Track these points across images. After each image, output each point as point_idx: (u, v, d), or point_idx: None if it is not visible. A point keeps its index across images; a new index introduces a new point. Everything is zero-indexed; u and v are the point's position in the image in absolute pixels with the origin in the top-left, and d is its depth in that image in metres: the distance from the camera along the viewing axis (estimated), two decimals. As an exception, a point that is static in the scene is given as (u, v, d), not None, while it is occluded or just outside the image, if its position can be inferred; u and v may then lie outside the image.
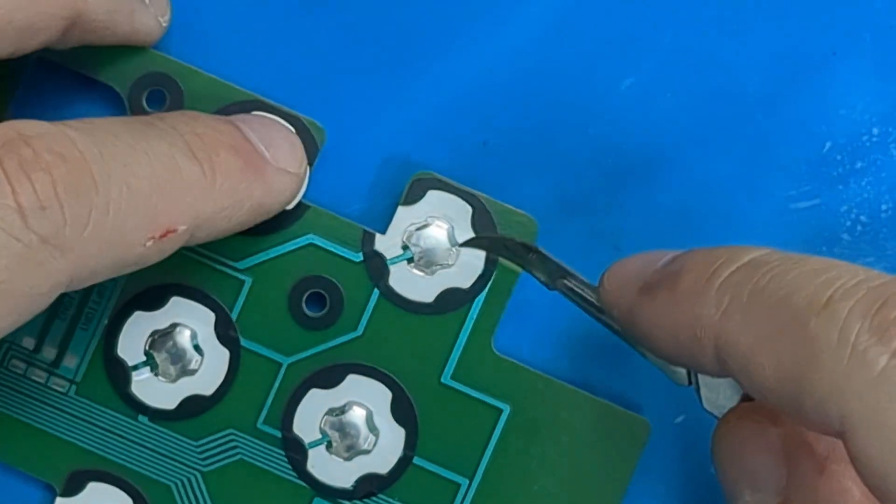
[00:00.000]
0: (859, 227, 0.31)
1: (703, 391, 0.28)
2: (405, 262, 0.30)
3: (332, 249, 0.30)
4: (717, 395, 0.28)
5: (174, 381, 0.30)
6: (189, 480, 0.30)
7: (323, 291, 0.30)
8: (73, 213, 0.24)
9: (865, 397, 0.22)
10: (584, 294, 0.29)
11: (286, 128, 0.29)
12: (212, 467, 0.30)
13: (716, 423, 0.28)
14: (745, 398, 0.28)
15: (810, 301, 0.24)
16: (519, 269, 0.30)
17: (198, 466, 0.30)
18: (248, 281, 0.30)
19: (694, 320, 0.25)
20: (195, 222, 0.26)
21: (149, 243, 0.25)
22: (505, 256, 0.30)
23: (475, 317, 0.30)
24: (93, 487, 0.30)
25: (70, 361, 0.30)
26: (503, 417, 0.30)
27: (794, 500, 0.27)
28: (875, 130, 0.31)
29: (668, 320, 0.26)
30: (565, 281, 0.29)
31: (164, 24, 0.30)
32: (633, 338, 0.28)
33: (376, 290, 0.30)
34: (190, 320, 0.30)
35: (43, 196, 0.24)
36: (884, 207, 0.31)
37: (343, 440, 0.30)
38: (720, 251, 0.26)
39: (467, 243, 0.30)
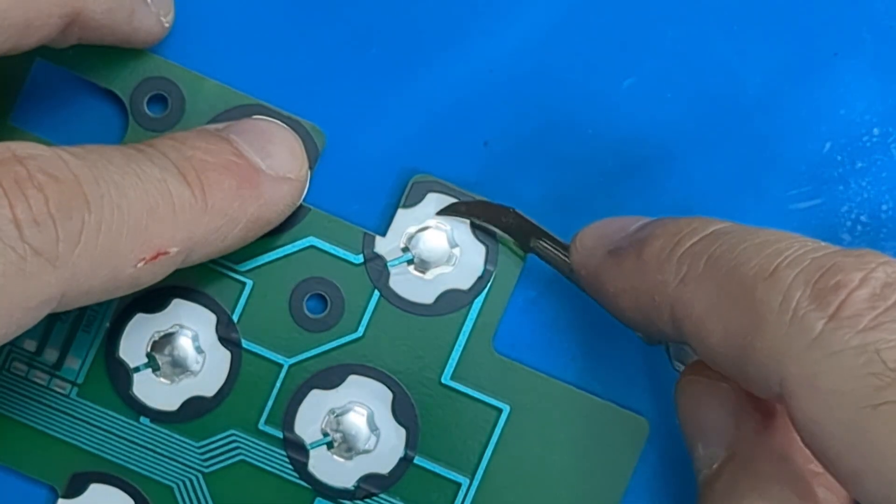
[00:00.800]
0: (859, 227, 0.32)
1: (671, 349, 0.29)
2: (405, 263, 0.31)
3: (333, 252, 0.31)
4: (684, 354, 0.29)
5: (176, 382, 0.30)
6: (190, 481, 0.30)
7: (324, 293, 0.30)
8: (65, 230, 0.24)
9: (802, 360, 0.24)
10: (558, 254, 0.30)
11: (286, 130, 0.30)
12: (213, 468, 0.30)
13: (676, 383, 0.29)
14: None
15: (758, 270, 0.25)
16: (515, 254, 0.31)
17: (199, 467, 0.30)
18: (250, 283, 0.30)
19: (654, 287, 0.27)
20: (188, 244, 0.27)
21: (140, 264, 0.26)
22: (482, 221, 0.30)
23: (475, 317, 0.31)
24: (94, 489, 0.30)
25: (72, 363, 0.31)
26: (503, 417, 0.30)
27: (738, 454, 0.28)
28: (875, 130, 0.32)
29: (631, 284, 0.27)
30: (541, 242, 0.30)
31: (167, 24, 0.30)
32: (599, 302, 0.29)
33: (377, 292, 0.31)
34: (191, 322, 0.30)
35: (37, 211, 0.24)
36: (884, 207, 0.32)
37: (344, 440, 0.30)
38: (687, 221, 0.27)
39: (444, 211, 0.30)
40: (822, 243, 0.25)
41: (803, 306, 0.24)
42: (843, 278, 0.24)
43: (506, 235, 0.30)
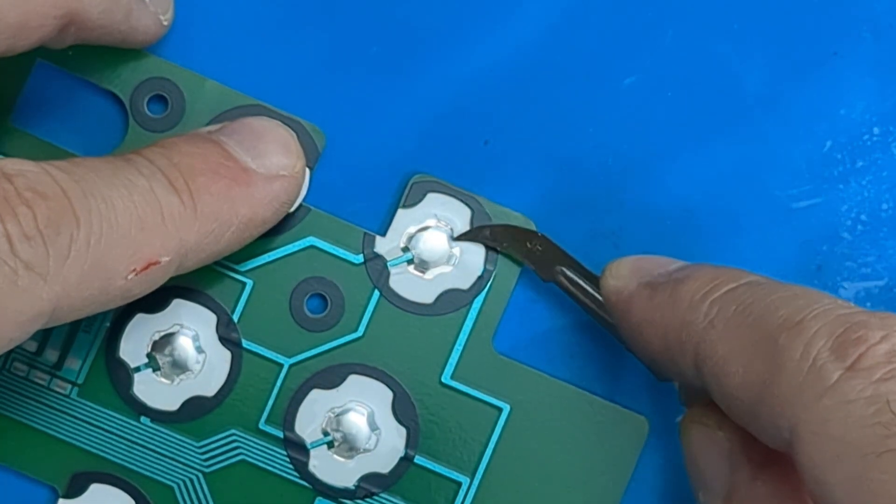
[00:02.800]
0: (860, 227, 0.32)
1: (682, 388, 0.30)
2: (405, 263, 0.31)
3: (333, 251, 0.31)
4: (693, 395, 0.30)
5: (176, 382, 0.31)
6: (191, 481, 0.31)
7: (324, 293, 0.31)
8: (55, 245, 0.25)
9: (814, 407, 0.24)
10: (582, 284, 0.30)
11: (279, 127, 0.30)
12: (214, 468, 0.31)
13: (679, 423, 0.30)
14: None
15: (785, 319, 0.26)
16: (516, 262, 0.31)
17: (200, 467, 0.31)
18: (250, 283, 0.31)
19: (682, 324, 0.27)
20: (180, 252, 0.27)
21: (131, 276, 0.26)
22: (504, 248, 0.31)
23: (475, 317, 0.31)
24: (95, 489, 0.31)
25: (72, 363, 0.31)
26: (503, 417, 0.31)
27: (733, 501, 0.28)
28: (876, 130, 0.32)
29: (660, 319, 0.28)
30: (564, 269, 0.30)
31: (166, 24, 0.30)
32: (622, 330, 0.30)
33: (377, 292, 0.31)
34: (192, 322, 0.31)
35: (26, 227, 0.25)
36: (884, 206, 0.32)
37: (344, 440, 0.30)
38: (725, 270, 0.28)
39: (465, 236, 0.31)
40: (848, 303, 0.26)
41: (823, 356, 0.25)
42: (864, 334, 0.25)
43: (527, 262, 0.31)
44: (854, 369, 0.24)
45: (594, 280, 0.30)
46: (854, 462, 0.24)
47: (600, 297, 0.30)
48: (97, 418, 0.31)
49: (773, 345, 0.26)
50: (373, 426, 0.31)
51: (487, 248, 0.31)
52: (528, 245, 0.31)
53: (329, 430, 0.31)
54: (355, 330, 0.31)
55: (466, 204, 0.31)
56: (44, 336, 0.31)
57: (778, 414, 0.25)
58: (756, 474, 0.28)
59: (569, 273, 0.31)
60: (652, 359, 0.29)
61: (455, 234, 0.31)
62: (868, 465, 0.24)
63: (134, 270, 0.26)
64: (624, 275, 0.30)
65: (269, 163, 0.29)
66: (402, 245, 0.31)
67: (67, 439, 0.31)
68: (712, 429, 0.29)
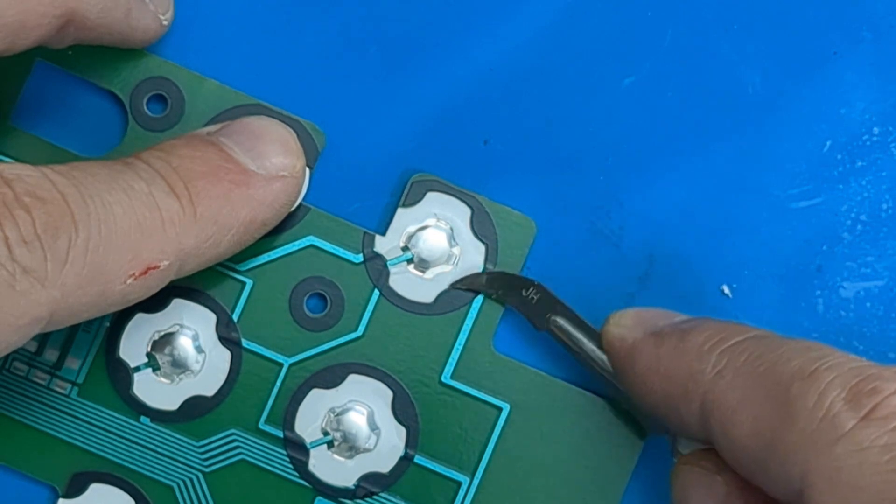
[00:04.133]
0: (860, 227, 0.32)
1: (676, 440, 0.30)
2: (405, 263, 0.31)
3: (333, 251, 0.31)
4: (686, 446, 0.30)
5: (176, 382, 0.31)
6: (191, 481, 0.31)
7: (324, 292, 0.31)
8: (53, 249, 0.25)
9: (828, 454, 0.24)
10: (577, 334, 0.30)
11: (279, 127, 0.30)
12: (214, 468, 0.31)
13: (672, 470, 0.30)
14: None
15: (798, 370, 0.26)
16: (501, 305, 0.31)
17: (200, 467, 0.31)
18: (250, 282, 0.31)
19: (690, 374, 0.27)
20: (179, 256, 0.27)
21: (130, 280, 0.26)
22: (498, 296, 0.31)
23: (475, 317, 0.31)
24: (95, 489, 0.31)
25: (72, 363, 0.31)
26: (503, 416, 0.31)
27: None
28: (875, 130, 0.32)
29: (666, 368, 0.28)
30: (557, 319, 0.30)
31: (166, 23, 0.30)
32: (625, 380, 0.30)
33: (376, 291, 0.31)
34: (191, 322, 0.31)
35: (25, 232, 0.25)
36: (884, 206, 0.32)
37: (344, 440, 0.31)
38: (731, 325, 0.28)
39: (460, 283, 0.31)
40: (860, 358, 0.26)
41: (837, 406, 0.25)
42: (879, 385, 0.25)
43: (521, 311, 0.31)
44: (869, 419, 0.25)
45: (588, 330, 0.30)
46: None
47: (595, 349, 0.30)
48: (97, 418, 0.31)
49: (786, 393, 0.26)
50: (372, 426, 0.31)
51: (482, 293, 0.31)
52: (524, 293, 0.31)
53: (329, 429, 0.31)
54: (355, 329, 0.31)
55: (466, 203, 0.31)
56: (44, 336, 0.31)
57: (790, 462, 0.25)
58: None
59: (562, 321, 0.31)
60: (653, 410, 0.29)
61: (455, 234, 0.31)
62: None
63: (133, 275, 0.26)
64: (628, 324, 0.30)
65: (269, 164, 0.29)
66: (401, 244, 0.31)
67: (67, 439, 0.31)
68: (710, 472, 0.28)
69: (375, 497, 0.31)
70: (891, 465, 0.24)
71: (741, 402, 0.27)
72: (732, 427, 0.27)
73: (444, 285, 0.31)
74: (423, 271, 0.31)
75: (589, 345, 0.30)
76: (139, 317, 0.31)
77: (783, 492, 0.26)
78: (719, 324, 0.28)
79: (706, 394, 0.27)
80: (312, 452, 0.31)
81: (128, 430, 0.31)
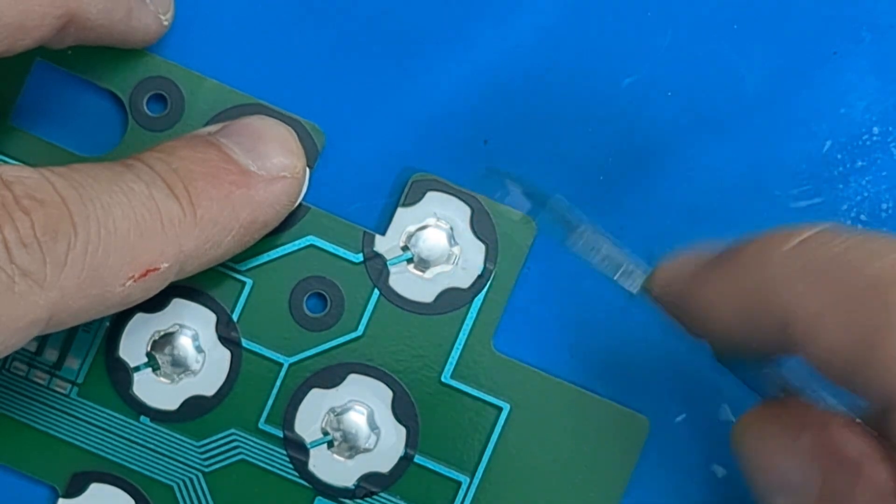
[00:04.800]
0: (860, 226, 0.32)
1: (770, 370, 0.28)
2: (405, 262, 0.31)
3: (333, 250, 0.31)
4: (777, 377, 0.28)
5: (176, 382, 0.31)
6: (191, 481, 0.31)
7: (323, 292, 0.31)
8: (52, 252, 0.25)
9: None
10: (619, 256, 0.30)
11: (280, 127, 0.30)
12: (213, 467, 0.31)
13: (734, 428, 0.28)
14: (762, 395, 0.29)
15: (891, 273, 0.24)
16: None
17: (199, 467, 0.31)
18: (249, 282, 0.31)
19: (762, 282, 0.25)
20: (179, 258, 0.27)
21: (129, 283, 0.26)
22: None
23: (475, 316, 0.31)
24: (95, 489, 0.31)
25: (72, 363, 0.31)
26: (503, 416, 0.31)
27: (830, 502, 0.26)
28: (875, 129, 0.32)
29: (732, 288, 0.26)
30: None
31: (166, 23, 0.30)
32: (687, 317, 0.28)
33: (376, 291, 0.31)
34: (191, 321, 0.31)
35: (24, 234, 0.25)
36: (884, 206, 0.32)
37: (344, 439, 0.31)
38: (785, 227, 0.26)
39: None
40: None
41: None
42: None
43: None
44: None
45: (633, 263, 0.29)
46: None
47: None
48: (97, 418, 0.31)
49: (880, 299, 0.24)
50: (372, 425, 0.31)
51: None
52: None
53: (329, 429, 0.31)
54: (355, 329, 0.31)
55: (466, 202, 0.31)
56: (43, 336, 0.31)
57: (882, 381, 0.24)
58: (858, 469, 0.26)
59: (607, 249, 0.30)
60: (725, 338, 0.27)
61: (455, 234, 0.31)
62: None
63: (132, 277, 0.26)
64: (677, 264, 0.28)
65: (269, 164, 0.29)
66: (401, 244, 0.31)
67: (67, 439, 0.31)
68: (791, 430, 0.27)
69: (375, 497, 0.31)
70: None
71: (825, 308, 0.24)
72: (818, 335, 0.25)
73: (445, 285, 0.31)
74: (423, 271, 0.31)
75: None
76: (139, 317, 0.31)
77: (880, 402, 0.24)
78: (771, 230, 0.26)
79: (786, 302, 0.25)
80: (312, 452, 0.31)
81: (128, 430, 0.31)
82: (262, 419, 0.31)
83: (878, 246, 0.25)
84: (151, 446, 0.31)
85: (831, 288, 0.25)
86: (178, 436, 0.31)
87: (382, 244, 0.31)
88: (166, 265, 0.27)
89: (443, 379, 0.31)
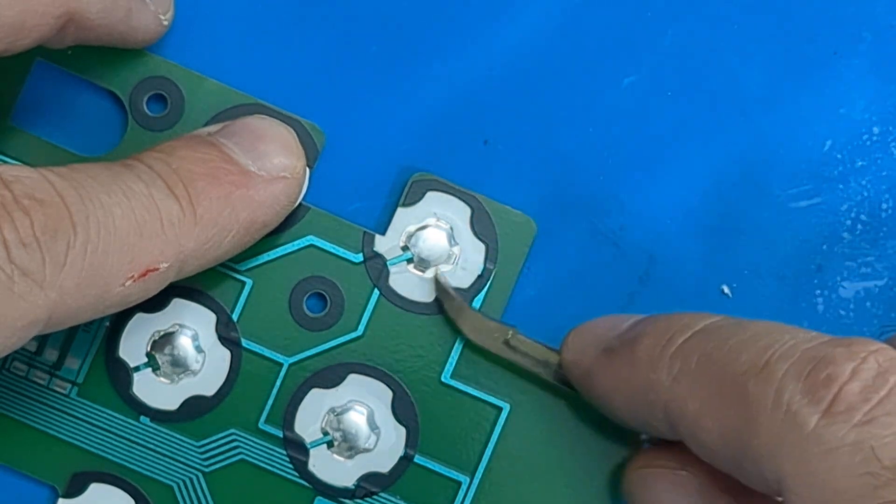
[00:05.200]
0: (860, 226, 0.32)
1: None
2: (405, 262, 0.31)
3: (333, 250, 0.31)
4: None
5: (175, 382, 0.31)
6: (191, 481, 0.31)
7: (323, 292, 0.31)
8: (51, 252, 0.25)
9: (797, 457, 0.24)
10: (536, 348, 0.31)
11: (280, 127, 0.30)
12: (213, 467, 0.31)
13: (625, 474, 0.30)
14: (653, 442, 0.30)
15: (749, 365, 0.25)
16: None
17: (199, 467, 0.31)
18: (249, 282, 0.31)
19: (647, 385, 0.27)
20: (179, 258, 0.27)
21: (128, 283, 0.26)
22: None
23: None
24: (95, 488, 0.31)
25: (72, 363, 0.31)
26: (503, 416, 0.31)
27: None
28: (875, 129, 0.32)
29: (623, 384, 0.28)
30: (520, 336, 0.30)
31: (166, 23, 0.30)
32: (591, 401, 0.30)
33: (376, 291, 0.31)
34: (191, 321, 0.31)
35: (23, 234, 0.25)
36: (884, 206, 0.32)
37: (344, 439, 0.31)
38: (678, 317, 0.28)
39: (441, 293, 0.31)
40: (813, 333, 0.26)
41: (796, 401, 0.24)
42: (833, 371, 0.24)
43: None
44: (831, 413, 0.24)
45: (549, 350, 0.31)
46: None
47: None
48: (97, 418, 0.31)
49: (743, 394, 0.25)
50: (372, 425, 0.31)
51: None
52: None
53: (329, 429, 0.31)
54: (355, 329, 0.31)
55: (466, 202, 0.31)
56: (43, 336, 0.31)
57: (762, 465, 0.25)
58: (737, 498, 0.28)
59: (521, 338, 0.31)
60: (624, 424, 0.29)
61: (455, 234, 0.31)
62: None
63: (132, 277, 0.26)
64: (580, 347, 0.30)
65: (269, 165, 0.29)
66: (401, 244, 0.31)
67: (67, 439, 0.31)
68: (674, 470, 0.28)
69: (375, 497, 0.31)
70: (864, 467, 0.24)
71: (703, 408, 0.26)
72: (700, 434, 0.26)
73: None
74: (423, 271, 0.31)
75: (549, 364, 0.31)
76: (139, 316, 0.31)
77: (762, 487, 0.26)
78: (665, 321, 0.28)
79: (668, 403, 0.27)
80: (312, 452, 0.31)
81: (127, 430, 0.31)
82: (262, 419, 0.31)
83: (744, 339, 0.26)
84: (151, 446, 0.31)
85: (707, 387, 0.26)
86: (178, 436, 0.31)
87: (382, 244, 0.31)
88: (166, 265, 0.27)
89: (443, 379, 0.31)
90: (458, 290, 0.31)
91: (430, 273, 0.31)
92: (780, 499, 0.25)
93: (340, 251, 0.31)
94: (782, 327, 0.26)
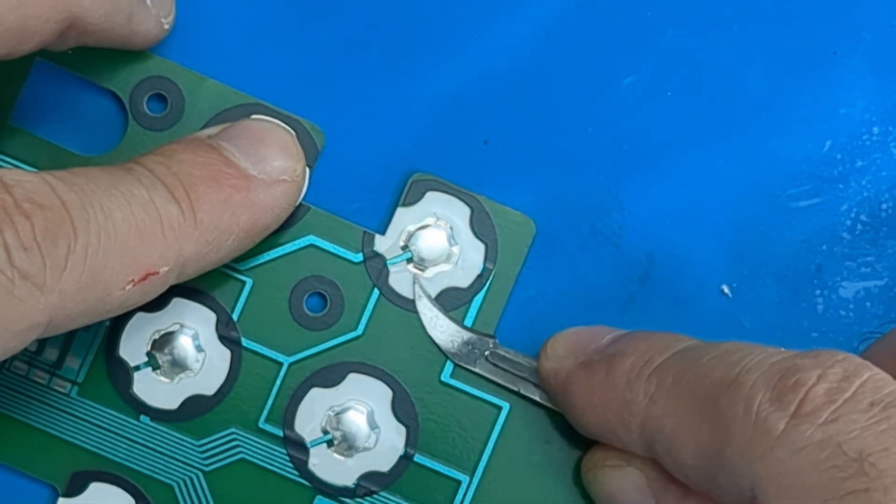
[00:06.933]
0: (859, 226, 0.32)
1: None
2: (405, 262, 0.31)
3: (333, 250, 0.31)
4: None
5: (176, 381, 0.31)
6: (191, 480, 0.31)
7: (323, 291, 0.31)
8: (52, 256, 0.25)
9: (769, 460, 0.25)
10: (517, 360, 0.31)
11: (280, 130, 0.30)
12: (213, 467, 0.31)
13: (582, 465, 0.30)
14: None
15: (721, 379, 0.26)
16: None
17: (200, 466, 0.31)
18: (249, 282, 0.31)
19: (623, 405, 0.28)
20: (179, 262, 0.27)
21: (128, 287, 0.26)
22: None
23: (475, 315, 0.31)
24: (95, 488, 0.31)
25: (72, 362, 0.31)
26: (503, 415, 0.31)
27: None
28: (875, 129, 0.32)
29: (600, 400, 0.28)
30: (499, 351, 0.31)
31: (167, 26, 0.31)
32: (564, 411, 0.30)
33: (376, 290, 0.31)
34: (191, 321, 0.31)
35: (24, 238, 0.25)
36: (884, 206, 0.32)
37: (344, 439, 0.31)
38: (658, 338, 0.28)
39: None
40: (780, 350, 0.27)
41: (765, 408, 0.25)
42: (801, 377, 0.25)
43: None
44: (798, 416, 0.25)
45: (525, 359, 0.31)
46: None
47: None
48: (97, 417, 0.31)
49: (716, 408, 0.26)
50: (372, 425, 0.31)
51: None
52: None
53: (329, 428, 0.31)
54: (355, 328, 0.31)
55: (466, 202, 0.31)
56: (44, 335, 0.31)
57: (737, 475, 0.26)
58: (685, 492, 0.28)
59: (502, 352, 0.31)
60: (595, 437, 0.29)
61: (454, 234, 0.31)
62: None
63: (132, 281, 0.27)
64: (560, 355, 0.30)
65: (269, 168, 0.29)
66: (401, 243, 0.31)
67: (67, 438, 0.31)
68: (621, 467, 0.29)
69: (375, 496, 0.31)
70: (831, 461, 0.24)
71: (678, 426, 0.27)
72: (676, 451, 0.27)
73: (444, 284, 0.31)
74: (422, 270, 0.31)
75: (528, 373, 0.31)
76: (139, 316, 0.31)
77: (738, 501, 0.26)
78: (645, 342, 0.29)
79: (643, 423, 0.28)
80: (312, 451, 0.31)
81: (128, 429, 0.31)
82: (262, 418, 0.31)
83: (717, 356, 0.27)
84: (151, 445, 0.31)
85: (682, 404, 0.27)
86: (178, 435, 0.31)
87: (382, 244, 0.31)
88: (166, 269, 0.27)
89: (442, 378, 0.31)
90: (455, 289, 0.31)
91: (430, 272, 0.31)
92: None
93: (340, 251, 0.31)
94: (753, 345, 0.27)
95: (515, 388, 0.31)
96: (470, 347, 0.31)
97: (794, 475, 0.25)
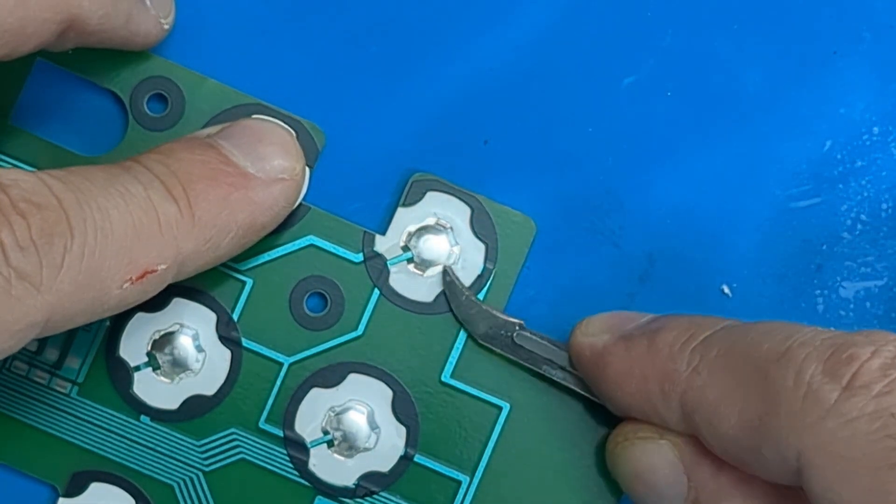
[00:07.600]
0: (860, 226, 0.32)
1: None
2: (405, 262, 0.31)
3: (333, 250, 0.31)
4: None
5: (176, 381, 0.31)
6: (191, 480, 0.31)
7: (324, 292, 0.31)
8: (48, 255, 0.25)
9: (818, 430, 0.25)
10: (543, 342, 0.31)
11: (279, 129, 0.30)
12: (214, 467, 0.31)
13: (607, 448, 0.30)
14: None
15: (771, 352, 0.26)
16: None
17: (200, 466, 0.31)
18: (250, 282, 0.31)
19: (665, 375, 0.28)
20: (177, 260, 0.27)
21: (126, 285, 0.26)
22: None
23: None
24: (95, 488, 0.31)
25: (72, 362, 0.31)
26: (503, 415, 0.31)
27: (701, 500, 0.29)
28: (875, 129, 0.32)
29: (640, 371, 0.28)
30: (525, 333, 0.31)
31: (167, 27, 0.31)
32: (598, 386, 0.30)
33: (376, 290, 0.31)
34: (192, 321, 0.31)
35: (20, 237, 0.25)
36: (884, 206, 0.32)
37: (344, 439, 0.31)
38: (699, 319, 0.29)
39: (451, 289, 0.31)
40: (831, 329, 0.27)
41: (817, 380, 0.25)
42: (854, 352, 0.25)
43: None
44: (851, 388, 0.25)
45: (551, 342, 0.31)
46: (868, 477, 0.24)
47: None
48: (97, 417, 0.31)
49: (764, 379, 0.26)
50: (373, 425, 0.31)
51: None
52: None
53: (329, 428, 0.31)
54: (355, 329, 0.31)
55: (466, 202, 0.31)
56: (43, 335, 0.31)
57: (783, 445, 0.26)
58: (719, 465, 0.28)
59: (527, 333, 0.31)
60: (630, 412, 0.29)
61: (455, 234, 0.31)
62: (883, 478, 0.24)
63: (130, 279, 0.27)
64: (595, 331, 0.30)
65: (268, 167, 0.29)
66: (401, 244, 0.31)
67: (67, 438, 0.31)
68: (654, 440, 0.29)
69: (375, 496, 0.31)
70: (883, 431, 0.24)
71: (723, 396, 0.27)
72: (718, 422, 0.27)
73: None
74: (423, 270, 0.31)
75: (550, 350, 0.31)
76: (139, 316, 0.31)
77: (779, 473, 0.26)
78: (687, 319, 0.29)
79: (685, 393, 0.28)
80: (312, 451, 0.31)
81: (128, 430, 0.31)
82: (263, 418, 0.31)
83: (765, 331, 0.27)
84: (151, 446, 0.31)
85: (727, 375, 0.27)
86: (179, 435, 0.31)
87: (382, 244, 0.31)
88: (164, 267, 0.27)
89: (443, 378, 0.31)
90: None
91: (430, 273, 0.31)
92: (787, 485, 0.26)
93: (340, 251, 0.31)
94: (802, 325, 0.27)
95: (539, 370, 0.31)
96: (496, 330, 0.31)
97: (843, 445, 0.25)
